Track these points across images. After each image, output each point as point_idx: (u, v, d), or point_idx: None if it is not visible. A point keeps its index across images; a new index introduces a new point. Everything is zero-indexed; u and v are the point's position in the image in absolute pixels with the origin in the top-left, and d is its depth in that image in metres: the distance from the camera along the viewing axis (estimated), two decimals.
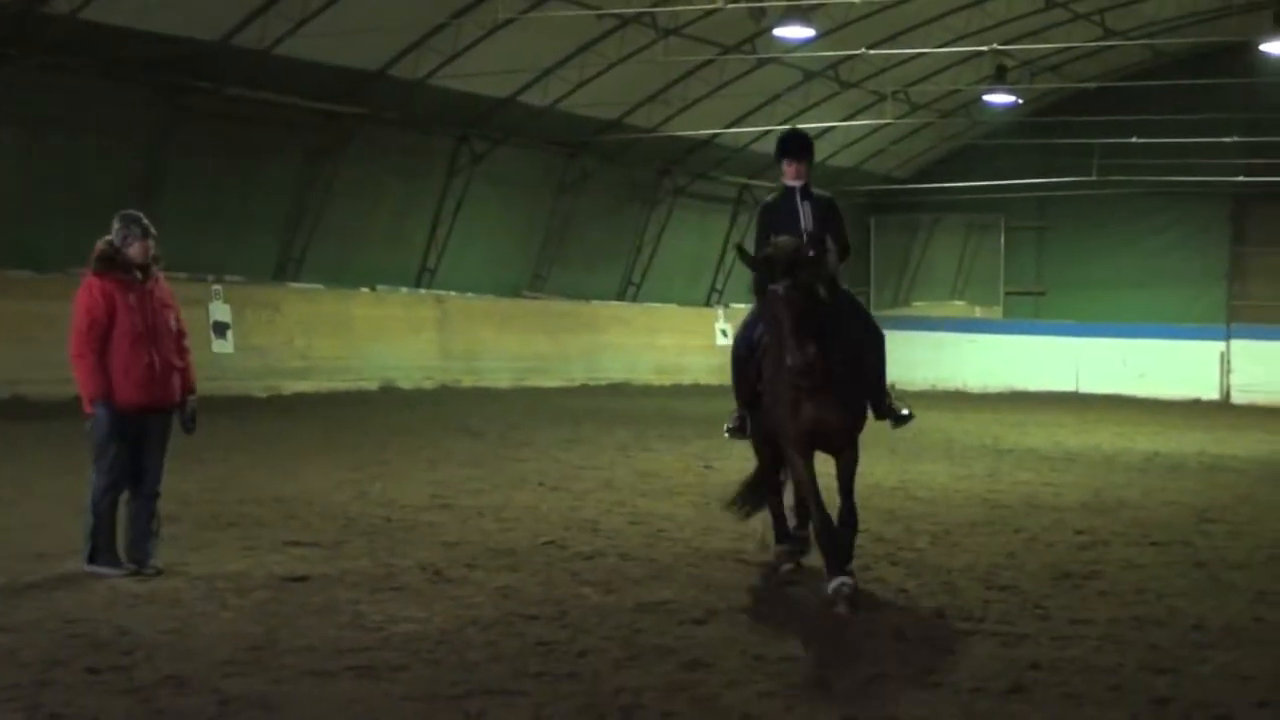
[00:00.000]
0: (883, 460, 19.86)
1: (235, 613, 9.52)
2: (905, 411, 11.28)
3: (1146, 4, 34.51)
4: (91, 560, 10.64)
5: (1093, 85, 39.44)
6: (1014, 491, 16.98)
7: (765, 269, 10.16)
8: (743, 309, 42.26)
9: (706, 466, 18.32)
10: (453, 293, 33.40)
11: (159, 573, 10.59)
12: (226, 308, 27.53)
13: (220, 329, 27.07)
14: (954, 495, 16.54)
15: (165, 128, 27.28)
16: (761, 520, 11.96)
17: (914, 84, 37.60)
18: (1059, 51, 37.03)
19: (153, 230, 10.88)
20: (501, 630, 9.14)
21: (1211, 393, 38.25)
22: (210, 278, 27.01)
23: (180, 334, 11.06)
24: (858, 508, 10.61)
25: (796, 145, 11.33)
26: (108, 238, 10.81)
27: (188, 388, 11.00)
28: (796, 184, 11.08)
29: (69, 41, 24.33)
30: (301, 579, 10.60)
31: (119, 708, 7.34)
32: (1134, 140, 36.81)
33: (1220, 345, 38.91)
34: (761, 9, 29.27)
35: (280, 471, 16.85)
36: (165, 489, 11.10)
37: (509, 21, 28.37)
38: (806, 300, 9.94)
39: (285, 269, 30.71)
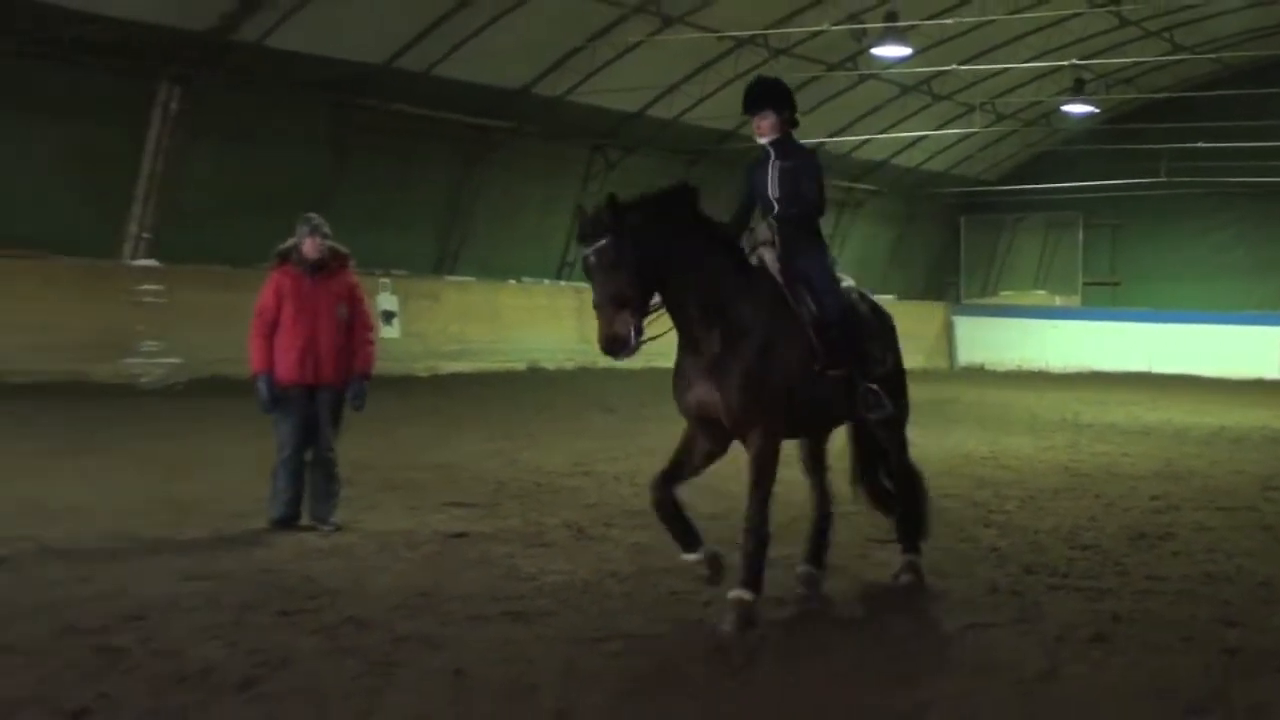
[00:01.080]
0: (974, 433, 19.72)
1: (405, 564, 9.62)
2: (884, 403, 8.83)
3: (1212, 21, 33.84)
4: (270, 510, 10.88)
5: (1163, 95, 38.78)
6: (1093, 461, 16.72)
7: (580, 230, 8.08)
8: None
9: None
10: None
11: (337, 529, 10.72)
12: (394, 298, 27.82)
13: (388, 316, 27.34)
14: (1039, 464, 16.31)
15: (339, 140, 27.60)
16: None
17: (1000, 96, 37.18)
18: (1132, 65, 36.39)
19: (323, 229, 10.94)
20: (637, 581, 9.16)
21: (1272, 373, 37.35)
22: (379, 271, 27.29)
23: (359, 325, 11.02)
24: (767, 519, 8.43)
25: (751, 97, 8.88)
26: (292, 238, 10.97)
27: (359, 371, 10.98)
28: (763, 140, 8.79)
29: (255, 64, 24.72)
30: (461, 535, 10.67)
31: (307, 644, 7.45)
32: (1201, 145, 36.16)
33: (1279, 330, 38.07)
34: (863, 30, 29.09)
35: (440, 441, 16.99)
36: (342, 456, 11.19)
37: (638, 44, 28.42)
38: (615, 259, 7.82)
39: (443, 263, 30.98)
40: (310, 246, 10.87)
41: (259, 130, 26.08)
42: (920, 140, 38.51)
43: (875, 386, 8.78)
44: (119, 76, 23.89)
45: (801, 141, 9.18)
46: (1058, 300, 43.93)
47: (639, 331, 8.01)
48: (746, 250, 8.65)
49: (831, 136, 36.23)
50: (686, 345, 8.43)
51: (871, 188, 41.24)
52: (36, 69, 22.81)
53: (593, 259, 7.92)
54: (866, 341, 8.94)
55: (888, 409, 8.86)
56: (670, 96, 31.92)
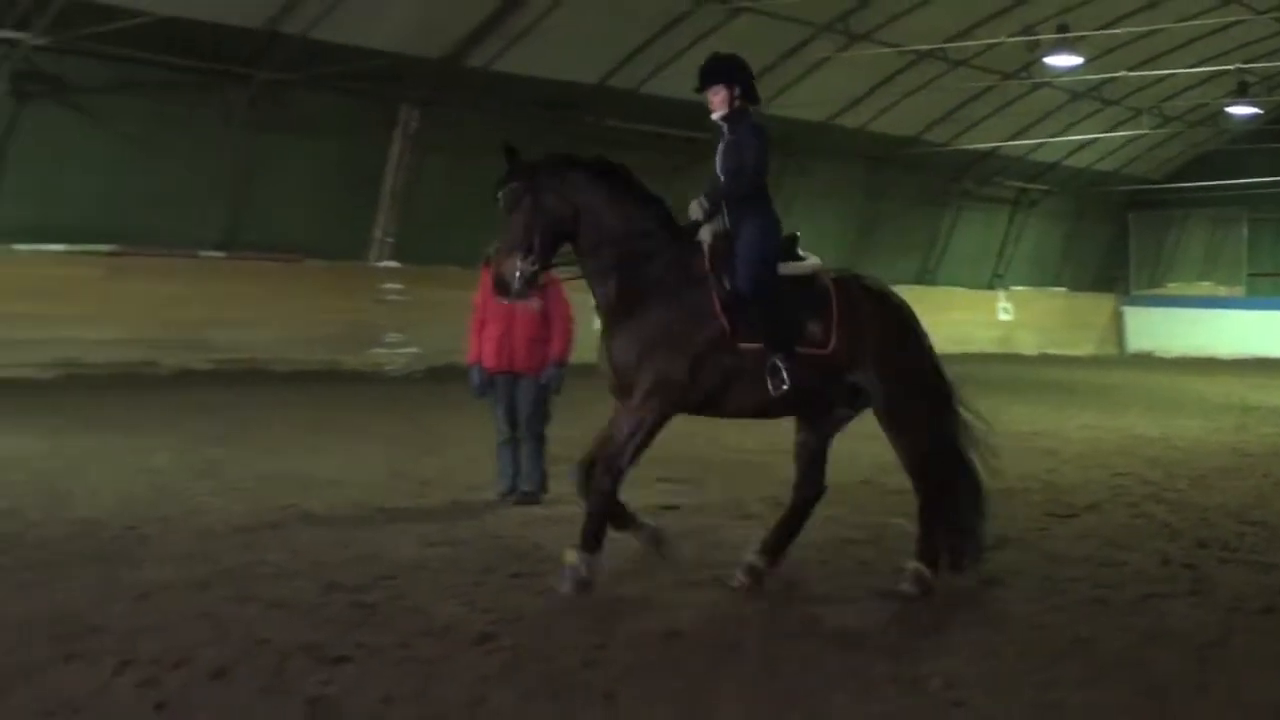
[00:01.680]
0: (1144, 416, 19.15)
1: (621, 535, 9.67)
2: (784, 380, 7.62)
3: None
4: (498, 484, 11.02)
5: None
6: (1260, 443, 16.08)
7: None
8: (1022, 290, 41.02)
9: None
10: None
11: (537, 501, 10.72)
12: None
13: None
14: (1207, 445, 15.75)
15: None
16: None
17: (1166, 100, 35.98)
18: None
19: None
20: (831, 551, 9.09)
21: None
22: None
23: (557, 316, 10.97)
24: (610, 477, 7.83)
25: (702, 73, 8.21)
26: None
27: (555, 358, 10.95)
28: (714, 116, 8.18)
29: (482, 87, 25.18)
30: (671, 508, 10.66)
31: (536, 604, 7.56)
32: None
33: None
34: (1036, 41, 28.46)
35: None
36: (556, 435, 11.13)
37: (826, 60, 28.20)
38: (515, 204, 7.48)
39: None
40: None
41: (483, 146, 26.41)
42: (1091, 143, 37.51)
43: (780, 363, 7.60)
44: (367, 100, 24.60)
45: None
46: (1222, 291, 42.42)
47: (528, 279, 7.56)
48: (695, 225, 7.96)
49: (1006, 141, 35.53)
50: (597, 307, 7.81)
51: (1045, 188, 40.29)
52: (298, 95, 23.57)
53: (500, 203, 7.58)
54: (801, 317, 7.79)
55: (785, 385, 7.60)
56: (856, 107, 31.59)
